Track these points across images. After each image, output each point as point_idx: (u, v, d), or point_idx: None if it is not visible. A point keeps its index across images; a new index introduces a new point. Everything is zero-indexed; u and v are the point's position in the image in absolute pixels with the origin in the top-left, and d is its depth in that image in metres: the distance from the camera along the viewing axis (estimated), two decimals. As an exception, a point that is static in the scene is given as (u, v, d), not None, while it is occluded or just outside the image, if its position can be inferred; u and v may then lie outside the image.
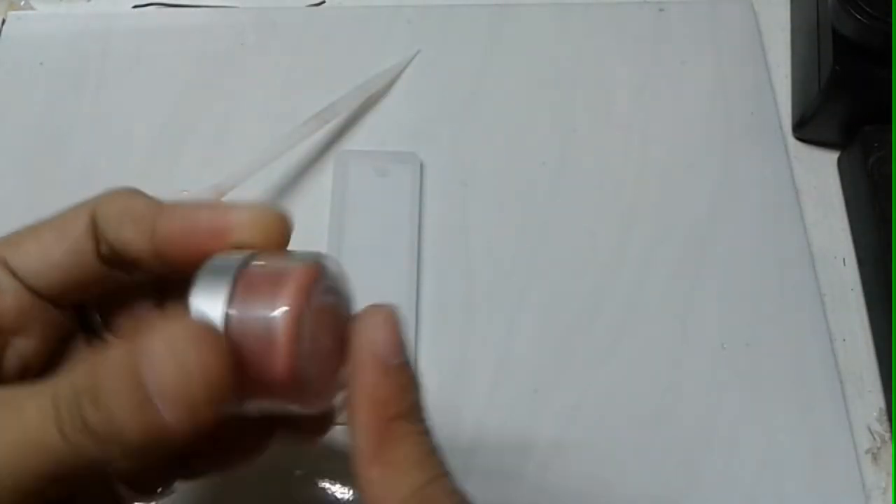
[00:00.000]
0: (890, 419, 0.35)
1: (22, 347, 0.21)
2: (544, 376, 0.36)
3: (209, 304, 0.18)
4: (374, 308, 0.20)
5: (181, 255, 0.21)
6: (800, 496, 0.33)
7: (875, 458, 0.34)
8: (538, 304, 0.38)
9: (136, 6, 0.47)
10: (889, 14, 0.36)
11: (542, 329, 0.37)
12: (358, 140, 0.42)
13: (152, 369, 0.17)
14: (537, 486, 0.34)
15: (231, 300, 0.18)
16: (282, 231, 0.21)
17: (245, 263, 0.19)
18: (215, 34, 0.46)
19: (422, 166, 0.41)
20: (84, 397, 0.17)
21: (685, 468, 0.34)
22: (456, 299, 0.38)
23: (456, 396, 0.36)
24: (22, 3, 0.47)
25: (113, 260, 0.22)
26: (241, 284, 0.18)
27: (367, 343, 0.19)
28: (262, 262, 0.19)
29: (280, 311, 0.18)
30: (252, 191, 0.39)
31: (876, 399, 0.36)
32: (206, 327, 0.18)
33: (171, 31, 0.46)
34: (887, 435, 0.35)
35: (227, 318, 0.18)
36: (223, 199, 0.39)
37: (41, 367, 0.22)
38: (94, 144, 0.42)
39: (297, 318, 0.18)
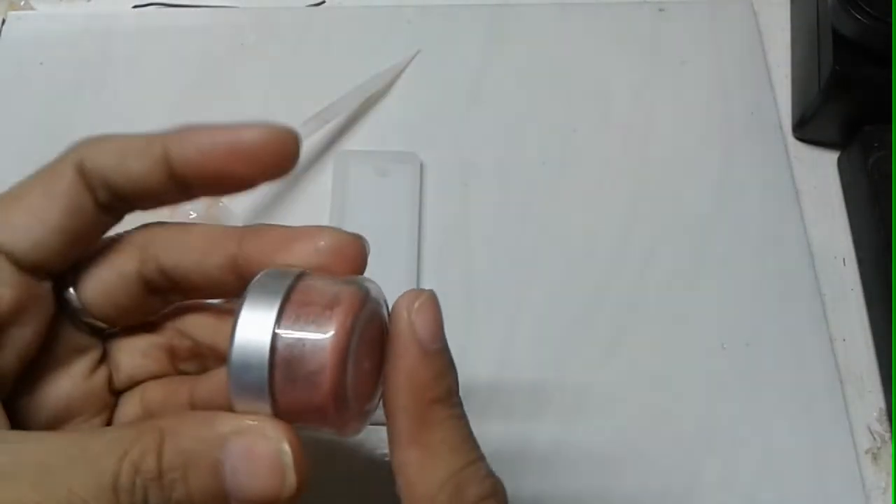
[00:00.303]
0: (890, 419, 0.35)
1: (18, 338, 0.21)
2: (544, 376, 0.36)
3: (258, 321, 0.18)
4: (415, 292, 0.20)
5: (202, 177, 0.21)
6: (800, 496, 0.33)
7: (875, 458, 0.34)
8: (538, 304, 0.38)
9: (136, 6, 0.47)
10: (889, 14, 0.36)
11: (542, 329, 0.37)
12: (358, 140, 0.42)
13: (235, 478, 0.18)
14: (537, 486, 0.34)
15: (279, 320, 0.18)
16: (290, 147, 0.21)
17: (294, 283, 0.19)
18: (215, 34, 0.46)
19: (422, 166, 0.41)
20: (152, 483, 0.17)
21: (685, 468, 0.34)
22: (456, 299, 0.38)
23: (456, 396, 0.35)
24: (22, 3, 0.47)
25: (112, 204, 0.22)
26: (291, 305, 0.18)
27: (407, 326, 0.19)
28: (309, 283, 0.19)
29: (329, 335, 0.18)
30: (252, 190, 0.39)
31: (876, 399, 0.36)
32: (293, 438, 0.18)
33: (171, 31, 0.46)
34: (887, 435, 0.35)
35: (275, 337, 0.18)
36: (224, 198, 0.39)
37: (34, 355, 0.22)
38: (94, 144, 0.42)
39: (345, 344, 0.18)
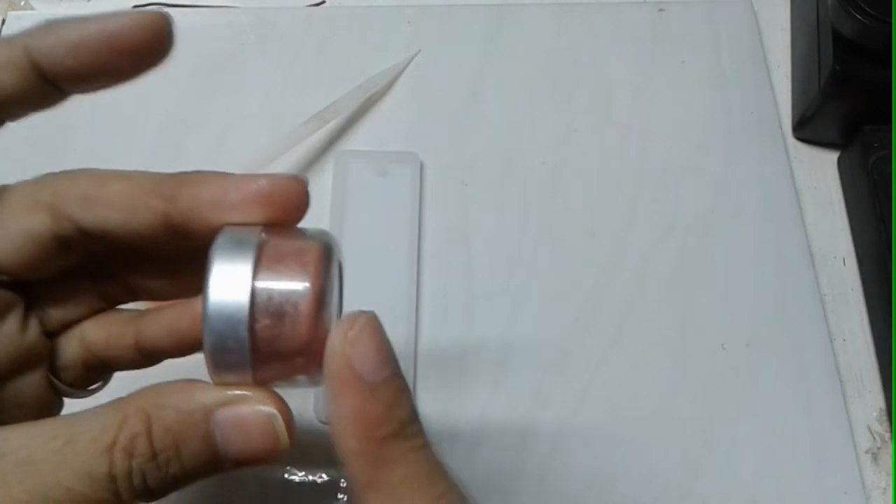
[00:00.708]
0: (890, 419, 0.35)
1: None
2: (544, 376, 0.36)
3: (234, 276, 0.18)
4: (347, 320, 0.18)
5: (75, 74, 0.21)
6: (800, 496, 0.33)
7: (875, 458, 0.34)
8: (538, 304, 0.38)
9: (135, 6, 0.47)
10: (889, 14, 0.36)
11: (542, 329, 0.37)
12: (358, 140, 0.42)
13: (228, 445, 0.18)
14: (537, 487, 0.34)
15: (255, 273, 0.18)
16: (162, 31, 0.20)
17: (261, 237, 0.19)
18: (215, 34, 0.46)
19: (422, 166, 0.41)
20: (148, 464, 0.17)
21: (685, 468, 0.34)
22: (456, 299, 0.38)
23: (456, 396, 0.36)
24: (22, 3, 0.47)
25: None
26: (262, 262, 0.19)
27: (347, 362, 0.18)
28: (273, 241, 0.19)
29: (305, 286, 0.18)
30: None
31: (876, 399, 0.36)
32: (277, 401, 0.19)
33: (171, 31, 0.46)
34: (887, 435, 0.35)
35: (253, 294, 0.18)
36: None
37: None
38: (94, 144, 0.42)
39: (321, 296, 0.19)
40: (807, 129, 0.42)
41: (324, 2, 0.47)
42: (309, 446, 0.33)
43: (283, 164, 0.40)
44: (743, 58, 0.44)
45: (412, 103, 0.43)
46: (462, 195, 0.41)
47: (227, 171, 0.21)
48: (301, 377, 0.19)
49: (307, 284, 0.18)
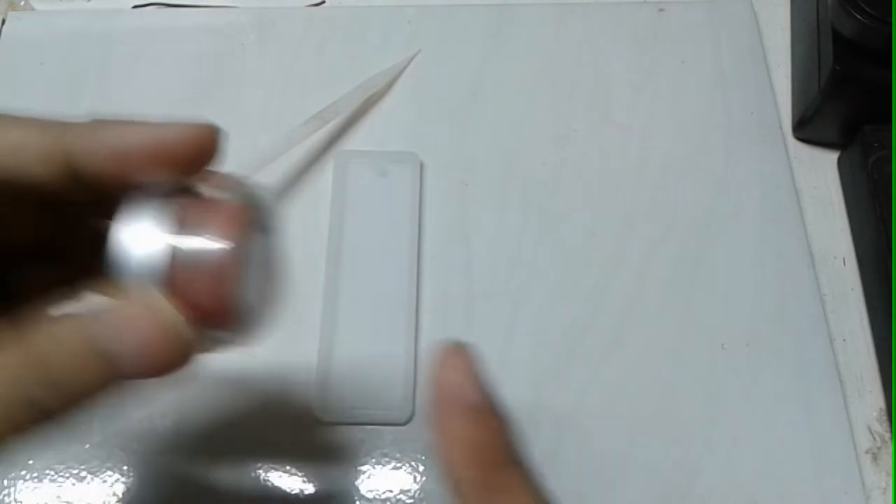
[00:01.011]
0: (890, 419, 0.35)
1: None
2: (544, 376, 0.36)
3: (147, 235, 0.18)
4: (447, 350, 0.19)
5: (113, 180, 0.19)
6: (800, 496, 0.33)
7: (875, 458, 0.34)
8: (538, 304, 0.38)
9: (136, 6, 0.47)
10: (889, 14, 0.36)
11: (542, 329, 0.37)
12: (358, 140, 0.42)
13: (118, 343, 0.17)
14: (537, 486, 0.34)
15: (170, 232, 0.18)
16: (213, 146, 0.19)
17: (178, 194, 0.19)
18: (215, 34, 0.46)
19: (422, 166, 0.41)
20: (40, 386, 0.17)
21: (685, 468, 0.34)
22: (456, 299, 0.38)
23: (456, 396, 0.35)
24: (22, 3, 0.47)
25: None
26: (180, 217, 0.18)
27: (452, 391, 0.18)
28: (194, 195, 0.19)
29: (220, 245, 0.18)
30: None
31: (876, 399, 0.36)
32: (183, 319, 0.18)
33: (171, 31, 0.46)
34: (887, 435, 0.35)
35: (167, 248, 0.18)
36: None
37: None
38: (94, 144, 0.42)
39: (237, 253, 0.18)
40: (807, 129, 0.42)
41: (324, 2, 0.47)
42: (310, 448, 0.34)
43: (284, 164, 0.40)
44: (743, 58, 0.44)
45: (412, 103, 0.43)
46: (462, 195, 0.41)
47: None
48: (223, 334, 0.19)
49: (220, 243, 0.18)
